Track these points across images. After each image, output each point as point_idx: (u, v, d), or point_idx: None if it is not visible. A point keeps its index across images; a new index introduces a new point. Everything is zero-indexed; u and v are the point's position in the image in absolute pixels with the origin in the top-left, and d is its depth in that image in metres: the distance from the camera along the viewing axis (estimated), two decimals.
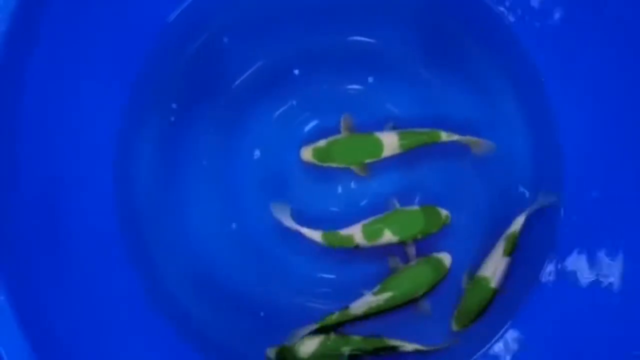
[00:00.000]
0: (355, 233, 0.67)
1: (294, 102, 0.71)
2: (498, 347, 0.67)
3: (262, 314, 0.68)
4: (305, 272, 0.70)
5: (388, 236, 0.67)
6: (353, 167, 0.69)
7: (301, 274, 0.69)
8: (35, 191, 0.60)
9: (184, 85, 0.70)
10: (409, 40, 0.71)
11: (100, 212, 0.65)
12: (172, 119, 0.70)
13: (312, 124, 0.71)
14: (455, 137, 0.68)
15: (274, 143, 0.71)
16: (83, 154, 0.64)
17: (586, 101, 0.68)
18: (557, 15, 0.68)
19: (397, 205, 0.69)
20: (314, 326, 0.66)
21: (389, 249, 0.69)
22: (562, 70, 0.68)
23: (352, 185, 0.71)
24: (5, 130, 0.57)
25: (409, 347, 0.65)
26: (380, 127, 0.69)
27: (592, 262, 0.65)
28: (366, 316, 0.66)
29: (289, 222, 0.67)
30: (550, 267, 0.67)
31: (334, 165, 0.69)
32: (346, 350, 0.65)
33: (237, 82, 0.71)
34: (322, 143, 0.69)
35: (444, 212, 0.68)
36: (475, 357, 0.67)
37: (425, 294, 0.67)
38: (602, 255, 0.65)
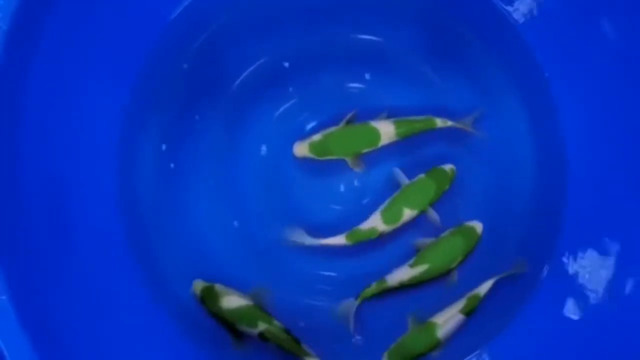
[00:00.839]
0: (377, 224, 0.67)
1: (295, 101, 0.71)
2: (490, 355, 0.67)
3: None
4: (306, 270, 0.70)
5: (408, 213, 0.67)
6: (348, 160, 0.69)
7: (302, 272, 0.70)
8: (37, 191, 0.60)
9: (184, 84, 0.70)
10: (412, 39, 0.71)
11: (103, 211, 0.65)
12: (174, 118, 0.70)
13: (313, 122, 0.71)
14: (450, 123, 0.68)
15: (275, 141, 0.71)
16: (85, 153, 0.64)
17: (590, 100, 0.67)
18: (561, 14, 0.67)
19: (401, 175, 0.68)
20: (356, 303, 0.66)
21: (389, 246, 0.69)
22: (566, 68, 0.68)
23: (355, 183, 0.71)
24: (7, 130, 0.57)
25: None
26: None
27: (594, 261, 0.65)
28: (402, 287, 0.66)
29: (310, 240, 0.67)
30: (550, 269, 0.67)
31: (332, 157, 0.69)
32: (260, 327, 0.65)
33: (238, 81, 0.71)
34: (317, 137, 0.68)
35: (447, 168, 0.68)
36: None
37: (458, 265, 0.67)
38: (604, 255, 0.64)
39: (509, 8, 0.69)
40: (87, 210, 0.64)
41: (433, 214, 0.68)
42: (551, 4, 0.68)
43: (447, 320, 0.65)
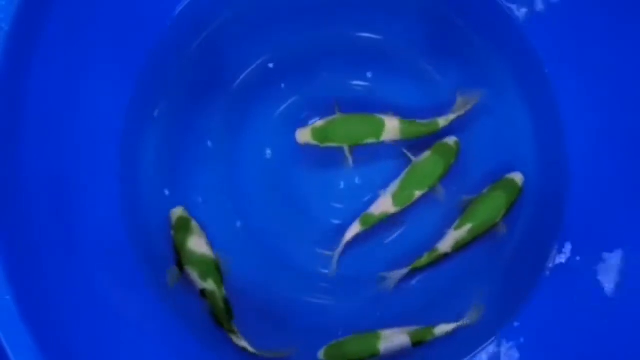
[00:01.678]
0: (388, 207, 0.67)
1: (297, 99, 0.71)
2: (495, 348, 0.67)
3: (264, 310, 0.69)
4: (307, 268, 0.70)
5: (418, 193, 0.67)
6: (346, 149, 0.68)
7: (303, 270, 0.70)
8: (39, 190, 0.60)
9: (186, 82, 0.70)
10: (413, 36, 0.71)
11: (105, 211, 0.65)
12: (174, 117, 0.70)
13: (315, 121, 0.70)
14: (452, 118, 0.68)
15: (277, 140, 0.71)
16: (87, 153, 0.64)
17: (592, 97, 0.67)
18: (562, 10, 0.67)
19: (411, 156, 0.68)
20: (405, 270, 0.67)
21: (389, 246, 0.70)
22: (569, 66, 0.68)
23: (356, 180, 0.71)
24: (9, 129, 0.57)
25: None
26: None
27: (595, 261, 0.65)
28: (454, 252, 0.67)
29: (335, 251, 0.68)
30: (552, 264, 0.67)
31: (333, 145, 0.68)
32: (207, 285, 0.66)
33: (238, 80, 0.71)
34: (320, 123, 0.68)
35: (451, 140, 0.68)
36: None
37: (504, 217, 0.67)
38: (605, 254, 0.65)
39: (511, 5, 0.69)
40: (90, 210, 0.64)
41: (440, 190, 0.68)
42: (552, 1, 0.68)
43: (393, 337, 0.65)
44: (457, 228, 0.67)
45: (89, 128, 0.65)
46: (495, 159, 0.70)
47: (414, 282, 0.69)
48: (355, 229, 0.67)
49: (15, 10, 0.55)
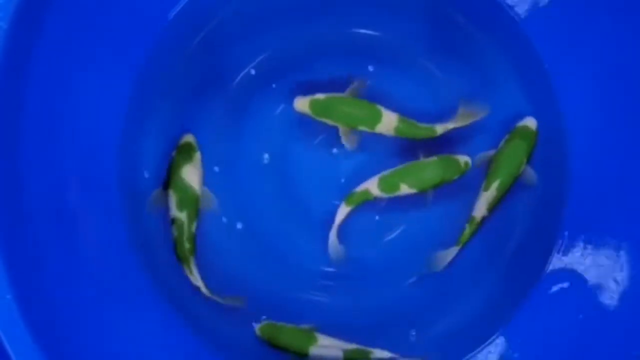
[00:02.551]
0: (372, 187, 0.67)
1: (297, 98, 0.71)
2: (495, 348, 0.67)
3: (265, 310, 0.69)
4: (308, 267, 0.70)
5: (405, 189, 0.67)
6: (342, 130, 0.68)
7: (304, 269, 0.70)
8: (40, 189, 0.60)
9: (185, 81, 0.70)
10: (413, 32, 0.71)
11: (106, 211, 0.65)
12: (174, 116, 0.70)
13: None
14: (450, 127, 0.68)
15: (277, 138, 0.71)
16: (87, 152, 0.64)
17: (593, 94, 0.67)
18: (562, 7, 0.67)
19: (422, 159, 0.69)
20: (456, 249, 0.67)
21: (388, 245, 0.70)
22: (567, 61, 0.68)
23: (357, 177, 0.71)
24: (8, 128, 0.57)
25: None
26: None
27: (596, 259, 0.65)
28: (490, 213, 0.67)
29: (334, 248, 0.68)
30: (553, 264, 0.68)
31: (327, 121, 0.68)
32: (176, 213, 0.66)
33: (238, 78, 0.71)
34: (320, 96, 0.67)
35: (462, 159, 0.68)
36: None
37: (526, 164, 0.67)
38: (605, 253, 0.65)
39: (511, 2, 0.69)
40: (90, 210, 0.64)
41: (429, 196, 0.68)
42: None
43: (328, 347, 0.65)
44: (485, 189, 0.67)
45: (88, 127, 0.64)
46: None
47: (414, 281, 0.70)
48: (343, 211, 0.67)
49: (14, 9, 0.55)
